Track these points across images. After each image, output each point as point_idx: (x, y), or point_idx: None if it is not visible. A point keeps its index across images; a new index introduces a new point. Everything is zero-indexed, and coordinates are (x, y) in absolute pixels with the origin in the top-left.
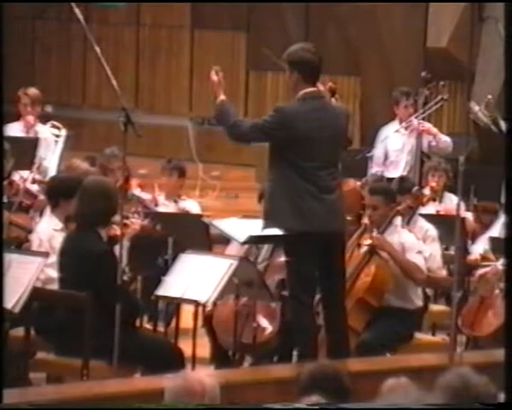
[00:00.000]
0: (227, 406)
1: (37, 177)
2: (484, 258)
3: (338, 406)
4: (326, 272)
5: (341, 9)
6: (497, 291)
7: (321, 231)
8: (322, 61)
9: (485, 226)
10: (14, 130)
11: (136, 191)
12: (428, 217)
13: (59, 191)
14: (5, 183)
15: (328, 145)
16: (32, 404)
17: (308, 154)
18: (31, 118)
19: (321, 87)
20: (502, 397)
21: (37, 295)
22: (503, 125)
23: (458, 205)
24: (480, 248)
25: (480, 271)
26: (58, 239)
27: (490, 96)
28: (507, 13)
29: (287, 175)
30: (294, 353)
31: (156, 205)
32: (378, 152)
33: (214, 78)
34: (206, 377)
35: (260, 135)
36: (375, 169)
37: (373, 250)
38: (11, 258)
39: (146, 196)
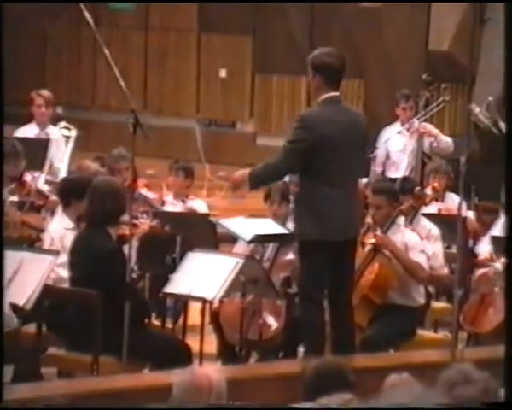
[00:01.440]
0: (227, 406)
1: (49, 177)
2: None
3: (339, 406)
4: (337, 271)
5: (345, 13)
6: (497, 289)
7: (338, 234)
8: (345, 66)
9: (487, 226)
10: (28, 131)
11: (143, 191)
12: (431, 216)
13: (70, 191)
14: (17, 183)
15: (349, 149)
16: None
17: (330, 157)
18: (43, 118)
19: None
20: (503, 393)
21: (49, 292)
22: (503, 126)
23: (460, 205)
24: (487, 248)
25: (481, 269)
26: (69, 238)
27: (490, 98)
28: (507, 13)
29: (309, 182)
30: (299, 349)
31: (162, 204)
32: (380, 153)
33: (239, 175)
34: (213, 372)
35: (292, 159)
36: (378, 169)
37: (376, 249)
38: (23, 256)
39: (152, 195)
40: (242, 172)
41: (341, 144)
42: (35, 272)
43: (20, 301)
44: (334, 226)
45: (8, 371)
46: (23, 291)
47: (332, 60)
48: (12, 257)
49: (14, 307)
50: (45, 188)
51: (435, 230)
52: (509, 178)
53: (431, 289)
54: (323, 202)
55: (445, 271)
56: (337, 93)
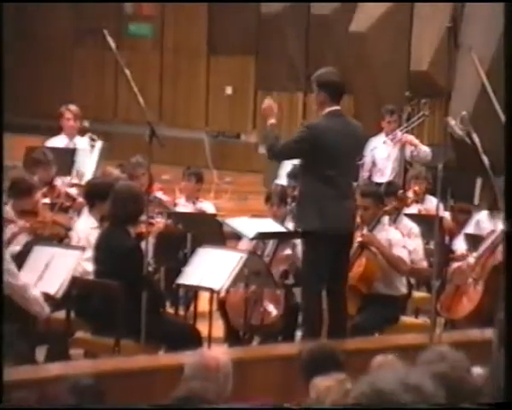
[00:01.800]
0: (228, 406)
1: (76, 181)
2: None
3: (339, 406)
4: (336, 264)
5: (337, 38)
6: (470, 280)
7: (337, 231)
8: (345, 85)
9: (461, 225)
10: (58, 142)
11: (158, 194)
12: (412, 216)
13: (95, 194)
14: (48, 187)
15: (348, 156)
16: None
17: (331, 163)
18: (71, 130)
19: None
20: (476, 371)
21: (76, 283)
22: (475, 137)
23: (437, 206)
24: (461, 244)
25: (456, 263)
26: (94, 236)
27: (464, 113)
28: (507, 13)
29: (313, 182)
30: (297, 333)
31: (175, 206)
32: (367, 160)
33: (268, 103)
34: (220, 354)
35: (290, 151)
36: (365, 175)
37: (364, 245)
38: (53, 251)
39: (166, 198)
40: (269, 102)
41: (341, 152)
42: (64, 266)
43: (52, 291)
44: (335, 222)
45: (42, 351)
46: (54, 282)
47: (335, 78)
48: (44, 252)
49: (47, 296)
50: (73, 191)
51: (416, 228)
52: (510, 177)
53: (412, 280)
54: (325, 201)
55: (425, 264)
56: (339, 107)
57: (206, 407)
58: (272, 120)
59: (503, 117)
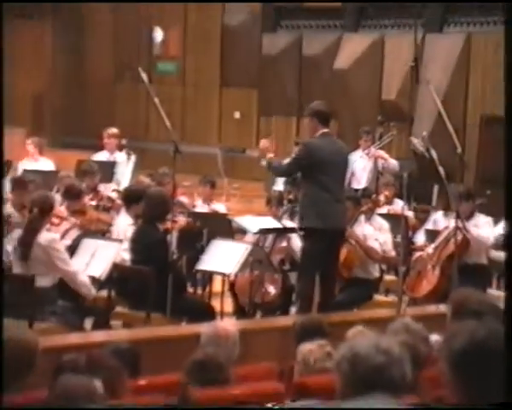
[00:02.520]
0: (228, 407)
1: (116, 188)
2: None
3: (339, 406)
4: (330, 255)
5: (323, 73)
6: (429, 267)
7: (333, 228)
8: (331, 113)
9: (422, 222)
10: (101, 156)
11: (181, 198)
12: (383, 215)
13: (131, 198)
14: (94, 192)
15: (337, 168)
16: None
17: (325, 172)
18: (112, 147)
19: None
20: (433, 338)
21: (116, 268)
22: (433, 152)
23: (403, 207)
24: (422, 238)
25: (417, 253)
26: (130, 231)
27: (424, 133)
28: (507, 13)
29: (312, 189)
30: (291, 309)
31: (194, 207)
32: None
33: (264, 143)
34: (229, 325)
35: (293, 167)
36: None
37: (345, 239)
38: (98, 243)
39: (186, 200)
40: (264, 143)
41: (332, 164)
42: (107, 255)
43: (97, 274)
44: (331, 221)
45: (89, 322)
46: (98, 267)
47: (324, 108)
48: (90, 244)
49: (93, 279)
50: (113, 195)
51: (386, 224)
52: (509, 178)
53: (383, 266)
54: (322, 204)
55: (393, 254)
56: (328, 130)
57: (206, 407)
58: (270, 155)
59: (455, 137)
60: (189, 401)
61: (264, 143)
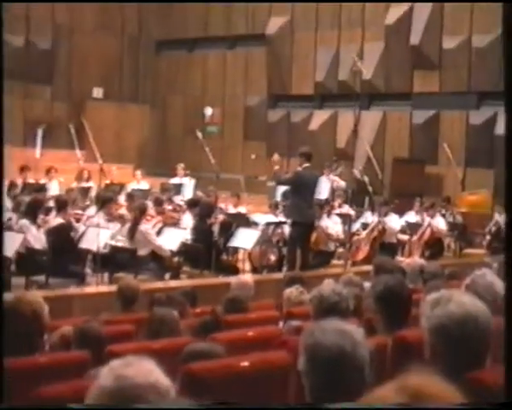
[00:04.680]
0: (228, 406)
1: (182, 198)
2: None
3: (338, 406)
4: (305, 237)
5: (302, 132)
6: (362, 244)
7: (307, 222)
8: (312, 154)
9: (358, 217)
10: (175, 180)
11: (220, 204)
12: (337, 214)
13: (191, 204)
14: (169, 202)
15: (311, 186)
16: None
17: (304, 189)
18: (181, 175)
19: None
20: (366, 285)
21: (183, 245)
22: (365, 178)
23: (348, 209)
24: (359, 227)
25: (356, 236)
26: (191, 223)
27: (360, 167)
28: (507, 13)
29: (296, 199)
30: (284, 268)
31: (227, 210)
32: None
33: (275, 157)
34: (248, 278)
35: (288, 183)
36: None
37: (314, 228)
38: (173, 230)
39: (223, 206)
40: (275, 157)
41: (308, 184)
42: (178, 236)
43: (173, 248)
44: (306, 218)
45: (167, 275)
46: (173, 243)
47: (308, 151)
48: (169, 231)
49: (170, 250)
50: (181, 203)
51: (338, 219)
52: (509, 176)
53: (337, 244)
54: (302, 208)
55: (342, 236)
56: (309, 164)
57: (207, 407)
58: (276, 167)
59: (378, 169)
60: (218, 320)
61: (275, 156)
